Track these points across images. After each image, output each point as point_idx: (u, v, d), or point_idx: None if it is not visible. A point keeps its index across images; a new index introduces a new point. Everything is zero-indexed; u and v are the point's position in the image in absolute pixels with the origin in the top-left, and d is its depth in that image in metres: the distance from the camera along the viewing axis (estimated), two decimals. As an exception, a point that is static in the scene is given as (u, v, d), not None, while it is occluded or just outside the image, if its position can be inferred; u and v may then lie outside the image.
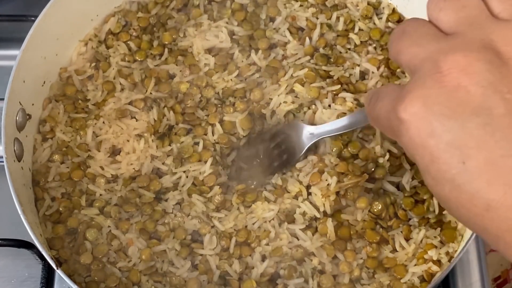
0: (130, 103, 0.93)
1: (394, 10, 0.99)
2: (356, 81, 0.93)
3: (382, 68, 0.94)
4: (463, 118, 0.43)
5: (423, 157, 0.46)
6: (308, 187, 0.86)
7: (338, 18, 0.98)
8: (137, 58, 0.96)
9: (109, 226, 0.85)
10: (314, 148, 0.88)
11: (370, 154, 0.87)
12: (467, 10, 0.48)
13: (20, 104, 0.87)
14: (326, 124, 0.87)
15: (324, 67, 0.94)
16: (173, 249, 0.84)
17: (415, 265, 0.83)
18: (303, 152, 0.87)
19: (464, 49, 0.45)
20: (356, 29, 0.97)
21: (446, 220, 0.86)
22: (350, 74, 0.94)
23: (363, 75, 0.95)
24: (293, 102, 0.91)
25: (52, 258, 0.78)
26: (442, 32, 0.49)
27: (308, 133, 0.87)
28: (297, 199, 0.85)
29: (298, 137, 0.87)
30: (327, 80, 0.92)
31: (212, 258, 0.83)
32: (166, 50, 0.96)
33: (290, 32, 0.97)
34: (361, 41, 0.97)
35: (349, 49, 0.97)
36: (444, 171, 0.44)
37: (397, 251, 0.84)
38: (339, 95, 0.91)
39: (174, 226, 0.85)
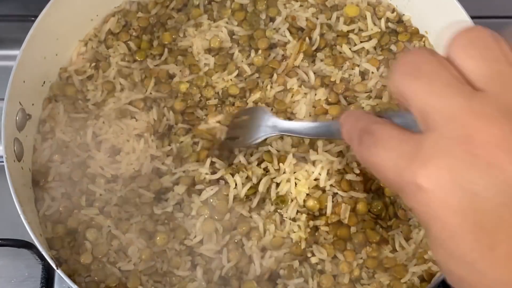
0: (130, 103, 0.93)
1: (394, 10, 0.99)
2: (356, 83, 0.93)
3: (382, 69, 0.94)
4: (497, 201, 0.39)
5: (439, 231, 0.42)
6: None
7: (338, 18, 0.98)
8: (137, 58, 0.96)
9: (109, 226, 0.85)
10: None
11: None
12: (501, 65, 0.42)
13: (20, 104, 0.87)
14: (292, 122, 0.84)
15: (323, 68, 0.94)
16: (173, 249, 0.84)
17: (415, 265, 0.83)
18: (258, 140, 0.84)
19: (499, 118, 0.40)
20: (356, 29, 0.97)
21: (446, 220, 0.86)
22: (350, 75, 0.94)
23: (363, 75, 0.95)
24: (293, 102, 0.91)
25: (52, 258, 0.78)
26: (467, 81, 0.42)
27: (271, 123, 0.83)
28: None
29: (259, 124, 0.84)
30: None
31: (212, 258, 0.83)
32: (166, 50, 0.96)
33: (290, 32, 0.97)
34: (361, 41, 0.97)
35: (349, 49, 0.97)
36: (465, 252, 0.41)
37: (397, 251, 0.84)
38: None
39: (174, 226, 0.85)
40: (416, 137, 0.43)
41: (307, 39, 0.96)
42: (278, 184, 0.86)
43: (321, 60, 0.95)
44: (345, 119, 0.51)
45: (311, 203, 0.85)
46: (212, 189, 0.86)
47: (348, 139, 0.49)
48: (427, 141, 0.42)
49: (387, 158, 0.44)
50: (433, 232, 0.42)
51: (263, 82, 0.93)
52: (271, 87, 0.93)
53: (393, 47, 0.96)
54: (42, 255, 0.78)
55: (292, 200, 0.85)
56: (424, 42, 0.97)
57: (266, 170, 0.87)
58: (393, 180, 0.44)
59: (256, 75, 0.95)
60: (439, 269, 0.41)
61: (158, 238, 0.84)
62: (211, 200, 0.86)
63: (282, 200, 0.85)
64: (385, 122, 0.46)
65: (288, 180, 0.86)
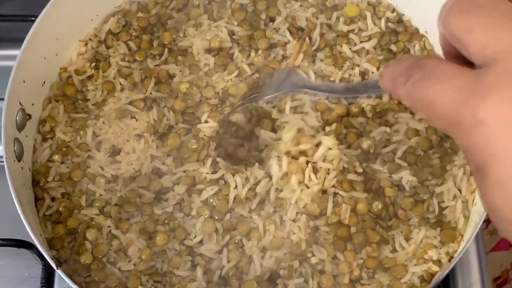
0: (130, 103, 0.93)
1: (394, 10, 0.99)
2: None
3: (382, 69, 0.94)
4: None
5: (498, 170, 0.38)
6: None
7: (338, 18, 0.98)
8: (137, 58, 0.96)
9: (109, 226, 0.85)
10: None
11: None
12: None
13: (20, 104, 0.87)
14: (318, 82, 0.87)
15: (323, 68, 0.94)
16: (173, 249, 0.84)
17: (415, 265, 0.83)
18: (276, 92, 0.87)
19: None
20: (356, 29, 0.97)
21: (446, 220, 0.86)
22: (350, 75, 0.94)
23: (363, 75, 0.95)
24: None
25: (52, 258, 0.78)
26: None
27: (295, 80, 0.85)
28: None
29: (282, 81, 0.86)
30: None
31: (212, 258, 0.83)
32: (166, 50, 0.96)
33: (290, 32, 0.97)
34: (361, 41, 0.97)
35: (349, 49, 0.97)
36: None
37: (397, 251, 0.84)
38: None
39: (174, 226, 0.85)
40: (474, 72, 0.40)
41: (307, 39, 0.96)
42: (280, 189, 0.86)
43: (321, 60, 0.95)
44: (385, 68, 0.48)
45: (311, 206, 0.85)
46: (212, 189, 0.86)
47: (389, 84, 0.46)
48: (487, 74, 0.39)
49: (441, 91, 0.41)
50: (492, 173, 0.39)
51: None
52: (271, 86, 0.93)
53: (393, 47, 0.96)
54: (42, 255, 0.78)
55: (291, 203, 0.85)
56: (424, 42, 0.97)
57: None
58: (448, 116, 0.41)
59: (256, 75, 0.95)
60: (493, 222, 0.38)
61: (158, 238, 0.84)
62: (211, 200, 0.86)
63: (280, 204, 0.85)
64: (434, 57, 0.44)
65: (293, 191, 0.85)
